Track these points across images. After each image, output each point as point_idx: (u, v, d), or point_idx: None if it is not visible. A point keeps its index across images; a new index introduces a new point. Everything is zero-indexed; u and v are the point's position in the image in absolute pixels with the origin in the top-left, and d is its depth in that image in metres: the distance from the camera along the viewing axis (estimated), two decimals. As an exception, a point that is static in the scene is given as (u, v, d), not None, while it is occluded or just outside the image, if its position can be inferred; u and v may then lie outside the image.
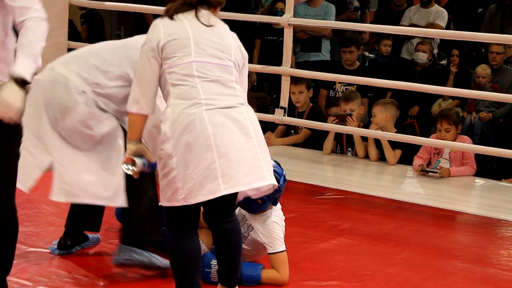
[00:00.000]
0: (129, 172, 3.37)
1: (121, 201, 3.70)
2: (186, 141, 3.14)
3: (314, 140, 6.58)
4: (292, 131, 6.72)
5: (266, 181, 3.27)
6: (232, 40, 3.35)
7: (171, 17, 3.29)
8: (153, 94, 3.28)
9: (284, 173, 3.80)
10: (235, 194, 3.29)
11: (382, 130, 6.09)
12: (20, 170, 3.19)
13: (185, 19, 3.28)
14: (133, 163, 3.34)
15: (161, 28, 3.27)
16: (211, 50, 3.25)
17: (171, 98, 3.22)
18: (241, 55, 3.37)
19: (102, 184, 3.71)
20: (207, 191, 3.14)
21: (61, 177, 3.71)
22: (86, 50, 3.89)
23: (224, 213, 3.32)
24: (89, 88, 3.67)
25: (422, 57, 7.69)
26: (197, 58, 3.21)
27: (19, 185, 3.31)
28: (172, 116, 3.18)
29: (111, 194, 3.70)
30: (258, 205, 3.73)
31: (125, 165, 3.37)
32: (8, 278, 3.62)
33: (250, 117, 3.28)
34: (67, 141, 3.73)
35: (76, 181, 3.71)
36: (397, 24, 7.96)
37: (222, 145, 3.14)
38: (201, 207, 3.32)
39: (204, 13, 3.31)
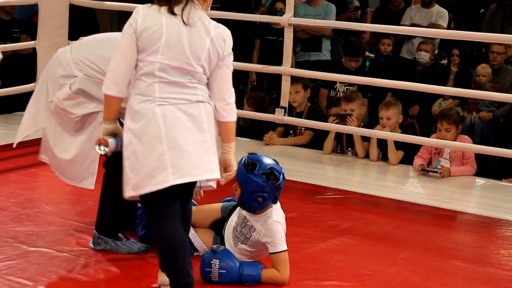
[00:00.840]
0: (101, 153, 3.44)
1: (88, 185, 4.04)
2: (138, 133, 3.26)
3: (315, 141, 6.58)
4: (291, 131, 6.71)
5: (215, 175, 3.36)
6: (208, 42, 3.31)
7: (157, 6, 3.31)
8: (130, 77, 3.36)
9: (282, 171, 3.80)
10: (192, 185, 3.40)
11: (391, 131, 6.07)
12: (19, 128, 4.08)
13: (164, 15, 3.28)
14: (106, 144, 3.40)
15: (140, 16, 3.30)
16: (178, 53, 3.27)
17: (132, 90, 3.34)
18: (215, 55, 3.33)
19: (73, 165, 4.02)
20: (156, 181, 3.24)
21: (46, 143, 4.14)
22: (98, 43, 4.09)
23: (181, 201, 3.41)
24: (81, 74, 3.93)
25: (424, 56, 7.70)
26: (163, 60, 3.27)
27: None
28: (129, 109, 3.31)
29: (79, 178, 4.06)
30: (259, 203, 3.73)
31: (97, 146, 3.42)
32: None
33: (207, 113, 3.33)
34: (53, 115, 4.05)
35: (53, 155, 4.08)
36: (395, 24, 7.97)
37: (173, 138, 3.24)
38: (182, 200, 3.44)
39: (188, 8, 3.29)
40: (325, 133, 6.38)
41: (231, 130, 3.42)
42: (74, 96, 3.93)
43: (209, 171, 3.33)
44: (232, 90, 3.41)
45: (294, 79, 6.47)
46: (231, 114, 3.40)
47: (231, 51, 3.39)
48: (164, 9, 3.30)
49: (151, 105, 3.25)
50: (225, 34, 3.37)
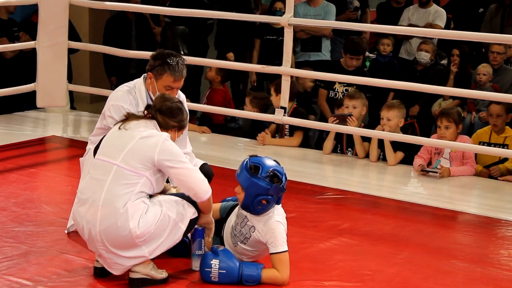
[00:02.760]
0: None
1: None
2: None
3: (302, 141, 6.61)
4: (277, 135, 6.68)
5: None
6: (133, 143, 3.59)
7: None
8: None
9: (284, 172, 3.80)
10: None
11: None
12: None
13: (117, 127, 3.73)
14: None
15: None
16: (105, 149, 3.68)
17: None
18: (142, 157, 3.56)
19: None
20: None
21: None
22: None
23: None
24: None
25: (424, 56, 7.68)
26: (98, 156, 3.69)
27: None
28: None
29: None
30: (263, 206, 3.73)
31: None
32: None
33: None
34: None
35: None
36: (398, 20, 7.97)
37: None
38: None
39: (137, 122, 3.67)
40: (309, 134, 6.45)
41: None
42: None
43: None
44: None
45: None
46: None
47: None
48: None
49: None
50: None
